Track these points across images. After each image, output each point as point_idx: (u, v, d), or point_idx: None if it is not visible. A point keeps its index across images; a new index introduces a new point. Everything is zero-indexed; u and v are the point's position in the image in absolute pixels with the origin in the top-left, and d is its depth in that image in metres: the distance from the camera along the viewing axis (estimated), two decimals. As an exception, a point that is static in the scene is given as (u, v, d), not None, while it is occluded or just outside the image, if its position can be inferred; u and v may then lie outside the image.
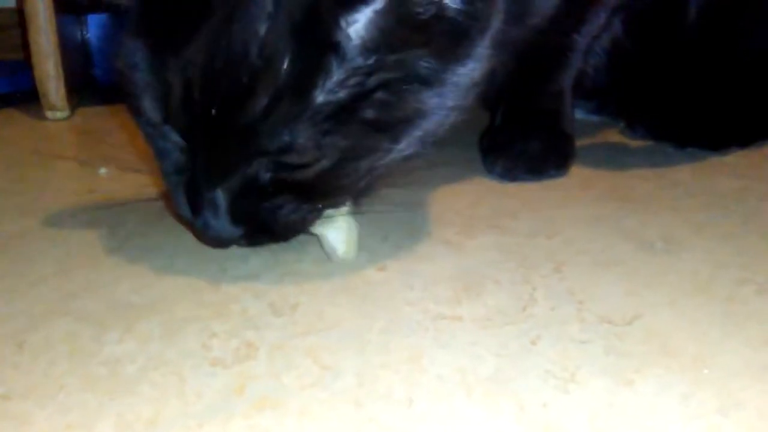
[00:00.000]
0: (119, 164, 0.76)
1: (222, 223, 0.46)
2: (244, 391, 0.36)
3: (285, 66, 0.42)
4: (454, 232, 0.56)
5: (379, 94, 0.44)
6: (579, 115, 0.83)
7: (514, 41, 0.62)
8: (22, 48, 1.23)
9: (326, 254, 0.52)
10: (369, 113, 0.44)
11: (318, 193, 0.47)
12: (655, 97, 0.79)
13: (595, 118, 0.92)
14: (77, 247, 0.54)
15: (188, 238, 0.55)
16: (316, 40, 0.42)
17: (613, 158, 0.76)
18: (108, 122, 1.02)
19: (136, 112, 0.48)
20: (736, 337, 0.41)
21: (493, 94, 0.86)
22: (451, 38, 0.46)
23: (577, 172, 0.71)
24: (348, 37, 0.42)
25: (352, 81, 0.43)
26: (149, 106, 0.47)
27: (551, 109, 0.73)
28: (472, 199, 0.64)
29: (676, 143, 0.75)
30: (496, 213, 0.60)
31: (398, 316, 0.44)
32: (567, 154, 0.71)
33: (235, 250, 0.52)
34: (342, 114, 0.43)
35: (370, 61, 0.43)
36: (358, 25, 0.42)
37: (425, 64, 0.45)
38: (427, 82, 0.45)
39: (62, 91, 0.99)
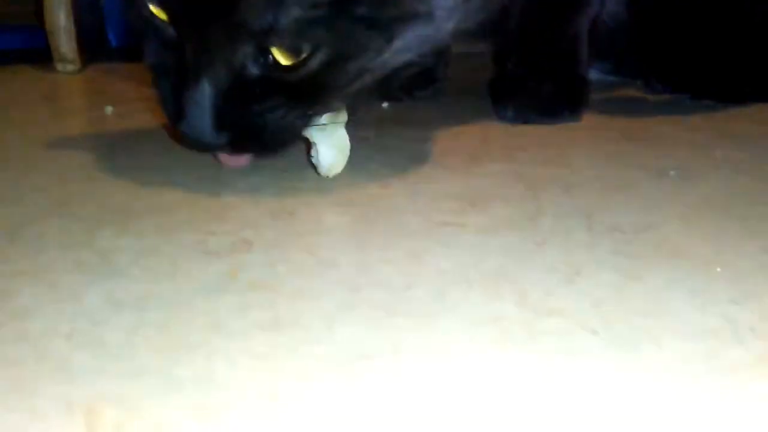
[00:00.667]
0: (127, 105, 0.76)
1: (206, 126, 0.44)
2: (237, 276, 0.35)
3: None
4: (462, 161, 0.55)
5: None
6: (595, 75, 0.81)
7: None
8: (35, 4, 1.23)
9: (313, 165, 0.50)
10: (361, 9, 0.43)
11: (309, 96, 0.46)
12: (673, 51, 0.77)
13: (611, 79, 0.90)
14: (78, 165, 0.54)
15: (188, 158, 0.54)
16: None
17: (630, 106, 0.74)
18: (118, 77, 1.02)
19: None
20: (752, 243, 0.39)
21: (505, 40, 0.84)
22: None
23: (593, 117, 0.69)
24: None
25: None
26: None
27: (566, 51, 0.71)
28: (481, 136, 0.62)
29: (693, 94, 0.73)
30: (506, 147, 0.59)
31: (401, 222, 0.42)
32: (582, 98, 0.70)
33: (237, 170, 0.51)
34: (332, 6, 0.42)
35: None
36: None
37: None
38: None
39: (73, 43, 0.98)
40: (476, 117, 0.69)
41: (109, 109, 0.74)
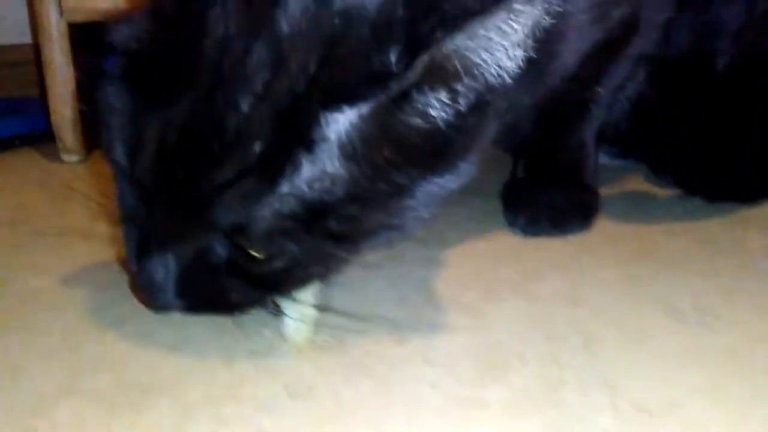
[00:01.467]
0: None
1: (165, 291, 0.45)
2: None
3: (257, 148, 0.40)
4: (476, 297, 0.54)
5: (348, 209, 0.42)
6: (602, 160, 0.81)
7: (533, 98, 0.61)
8: (39, 86, 1.23)
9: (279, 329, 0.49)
10: (333, 224, 0.43)
11: (270, 286, 0.46)
12: (682, 147, 0.77)
13: (618, 163, 0.90)
14: (88, 317, 0.53)
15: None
16: (293, 132, 0.41)
17: (639, 210, 0.73)
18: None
19: (106, 149, 0.47)
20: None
21: (515, 146, 0.84)
22: (433, 153, 0.43)
23: (601, 227, 0.69)
24: (325, 138, 0.41)
25: (321, 184, 0.41)
26: (119, 151, 0.46)
27: (574, 162, 0.71)
28: (492, 258, 0.62)
29: (705, 196, 0.73)
30: (519, 275, 0.58)
31: (420, 403, 0.41)
32: (591, 209, 0.69)
33: (248, 323, 0.51)
34: (306, 220, 0.42)
35: (343, 171, 0.41)
36: (338, 127, 0.41)
37: (401, 178, 0.43)
38: (397, 193, 0.44)
39: (78, 135, 0.98)
40: (484, 223, 0.69)
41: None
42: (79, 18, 0.94)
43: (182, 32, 0.43)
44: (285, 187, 0.41)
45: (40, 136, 1.14)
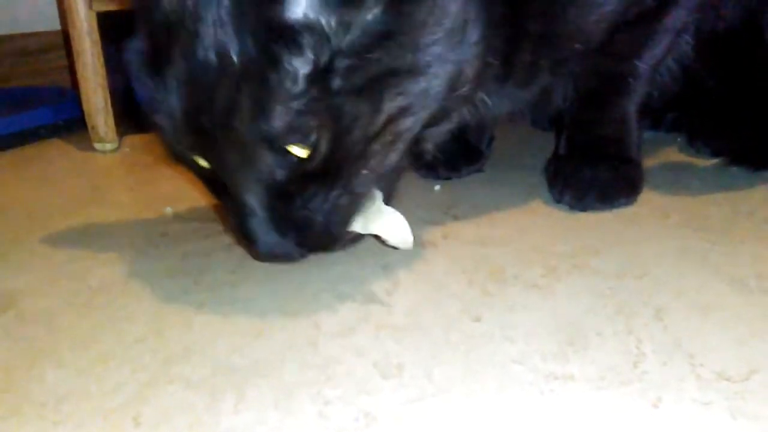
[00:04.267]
0: (182, 201, 0.76)
1: (271, 237, 0.50)
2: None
3: (236, 58, 0.45)
4: (540, 274, 0.56)
5: (340, 62, 0.46)
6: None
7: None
8: (69, 73, 1.23)
9: (393, 246, 0.56)
10: (336, 82, 0.46)
11: (333, 176, 0.50)
12: (722, 117, 0.78)
13: (649, 134, 0.91)
14: (166, 303, 0.54)
15: (275, 284, 0.55)
16: (262, 26, 0.45)
17: (681, 182, 0.74)
18: (157, 152, 1.02)
19: (166, 145, 0.53)
20: None
21: (549, 118, 0.85)
22: None
23: (647, 199, 0.70)
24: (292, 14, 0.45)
25: (307, 55, 0.46)
26: (171, 139, 0.51)
27: (617, 136, 0.72)
28: (548, 234, 0.63)
29: (747, 167, 0.74)
30: (577, 250, 0.59)
31: (508, 379, 0.43)
32: (636, 182, 0.70)
33: (323, 302, 0.52)
34: (311, 90, 0.46)
35: (320, 29, 0.46)
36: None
37: (381, 20, 0.47)
38: (389, 37, 0.48)
39: (111, 123, 0.99)
40: (529, 199, 0.71)
41: (168, 210, 0.74)
42: (108, 7, 0.94)
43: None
44: (279, 78, 0.46)
45: (65, 126, 1.15)
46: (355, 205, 0.53)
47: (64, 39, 1.23)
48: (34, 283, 0.58)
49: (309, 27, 0.46)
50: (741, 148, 0.75)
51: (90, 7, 0.93)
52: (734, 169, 0.76)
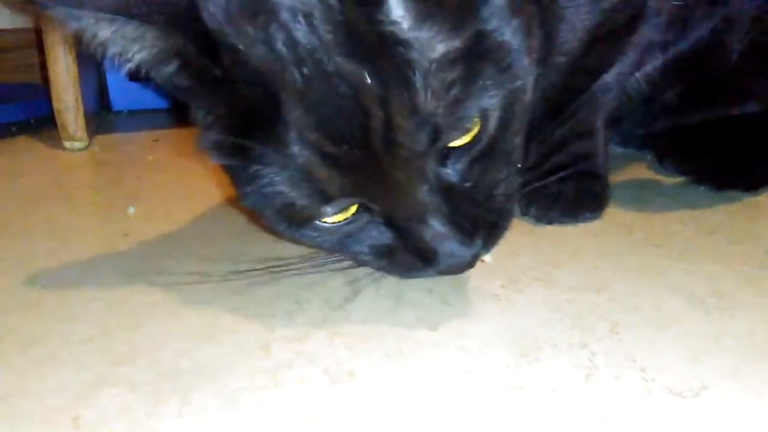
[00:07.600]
0: (146, 202, 0.75)
1: (464, 250, 0.48)
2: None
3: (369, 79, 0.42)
4: (500, 285, 0.55)
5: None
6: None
7: (542, 78, 0.62)
8: (41, 70, 1.22)
9: None
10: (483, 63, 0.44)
11: (501, 155, 0.49)
12: (688, 136, 0.79)
13: (619, 150, 0.92)
14: (117, 304, 0.53)
15: (227, 290, 0.54)
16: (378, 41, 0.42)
17: (646, 198, 0.75)
18: (125, 152, 1.01)
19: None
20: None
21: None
22: None
23: (612, 214, 0.70)
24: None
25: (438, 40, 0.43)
26: (311, 210, 0.47)
27: (583, 151, 0.72)
28: (512, 246, 0.63)
29: (711, 185, 0.74)
30: (539, 263, 0.59)
31: (458, 388, 0.42)
32: (601, 197, 0.71)
33: (279, 307, 0.52)
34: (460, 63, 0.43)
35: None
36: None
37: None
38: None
39: (81, 121, 0.98)
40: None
41: (131, 210, 0.73)
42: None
43: None
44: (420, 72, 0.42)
45: (36, 123, 1.13)
46: (515, 182, 0.52)
47: (37, 36, 1.21)
48: (-16, 280, 0.57)
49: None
50: (705, 167, 0.76)
51: (62, 3, 0.92)
52: (700, 188, 0.77)
